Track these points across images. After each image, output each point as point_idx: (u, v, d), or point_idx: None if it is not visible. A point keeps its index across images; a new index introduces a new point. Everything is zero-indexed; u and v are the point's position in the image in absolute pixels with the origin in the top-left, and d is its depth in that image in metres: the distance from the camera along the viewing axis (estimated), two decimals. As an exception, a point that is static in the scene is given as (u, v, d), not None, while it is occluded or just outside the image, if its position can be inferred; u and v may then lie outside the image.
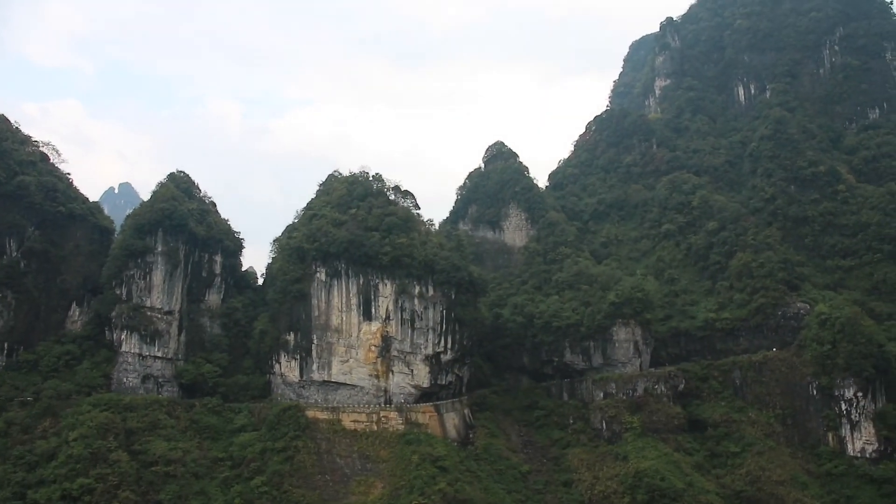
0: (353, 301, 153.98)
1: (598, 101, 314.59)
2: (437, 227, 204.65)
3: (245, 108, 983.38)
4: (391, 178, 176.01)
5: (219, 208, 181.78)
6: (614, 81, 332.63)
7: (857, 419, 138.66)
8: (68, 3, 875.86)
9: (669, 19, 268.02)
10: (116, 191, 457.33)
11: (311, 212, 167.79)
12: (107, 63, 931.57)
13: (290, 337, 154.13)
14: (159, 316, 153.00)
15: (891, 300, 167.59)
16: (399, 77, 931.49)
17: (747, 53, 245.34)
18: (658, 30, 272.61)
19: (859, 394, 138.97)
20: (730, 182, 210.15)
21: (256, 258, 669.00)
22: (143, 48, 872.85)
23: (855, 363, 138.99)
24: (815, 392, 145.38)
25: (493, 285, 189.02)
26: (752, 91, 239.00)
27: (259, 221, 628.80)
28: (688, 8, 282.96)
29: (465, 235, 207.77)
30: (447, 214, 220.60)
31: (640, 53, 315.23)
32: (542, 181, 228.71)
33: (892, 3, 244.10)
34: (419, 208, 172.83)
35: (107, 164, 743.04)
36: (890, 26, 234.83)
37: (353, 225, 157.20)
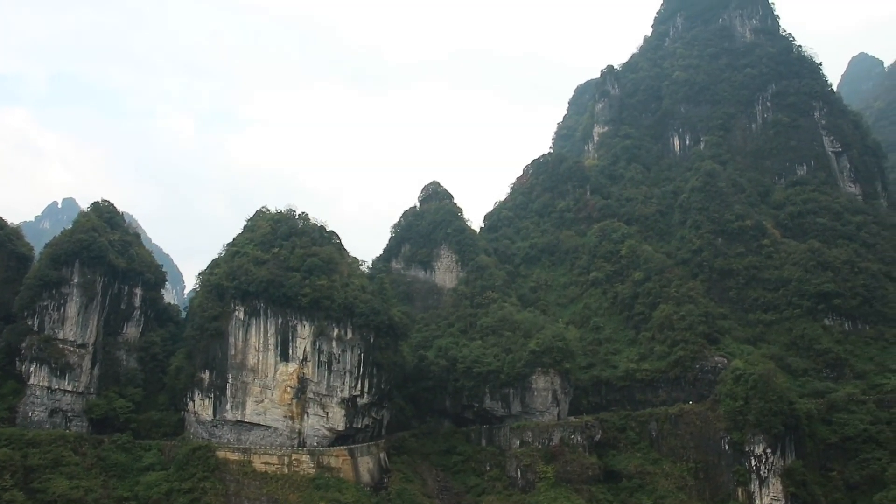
0: (271, 341, 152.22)
1: (547, 138, 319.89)
2: (369, 264, 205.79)
3: (199, 123, 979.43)
4: (317, 217, 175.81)
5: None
6: (558, 123, 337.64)
7: (766, 475, 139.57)
8: (19, 9, 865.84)
9: (610, 67, 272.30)
10: (59, 205, 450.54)
11: (234, 248, 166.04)
12: (58, 71, 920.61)
13: (206, 375, 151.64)
14: (72, 349, 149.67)
15: (807, 356, 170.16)
16: (354, 102, 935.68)
17: (684, 105, 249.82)
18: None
19: (768, 450, 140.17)
20: (660, 232, 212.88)
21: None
22: (96, 58, 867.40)
23: (765, 420, 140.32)
24: (727, 447, 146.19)
25: (421, 326, 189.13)
26: (687, 142, 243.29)
27: (209, 238, 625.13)
28: (629, 57, 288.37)
29: (398, 274, 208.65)
30: (381, 252, 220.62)
31: (585, 98, 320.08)
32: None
33: (821, 64, 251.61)
34: (343, 249, 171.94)
35: (54, 174, 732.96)
36: (819, 86, 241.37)
37: (275, 264, 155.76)
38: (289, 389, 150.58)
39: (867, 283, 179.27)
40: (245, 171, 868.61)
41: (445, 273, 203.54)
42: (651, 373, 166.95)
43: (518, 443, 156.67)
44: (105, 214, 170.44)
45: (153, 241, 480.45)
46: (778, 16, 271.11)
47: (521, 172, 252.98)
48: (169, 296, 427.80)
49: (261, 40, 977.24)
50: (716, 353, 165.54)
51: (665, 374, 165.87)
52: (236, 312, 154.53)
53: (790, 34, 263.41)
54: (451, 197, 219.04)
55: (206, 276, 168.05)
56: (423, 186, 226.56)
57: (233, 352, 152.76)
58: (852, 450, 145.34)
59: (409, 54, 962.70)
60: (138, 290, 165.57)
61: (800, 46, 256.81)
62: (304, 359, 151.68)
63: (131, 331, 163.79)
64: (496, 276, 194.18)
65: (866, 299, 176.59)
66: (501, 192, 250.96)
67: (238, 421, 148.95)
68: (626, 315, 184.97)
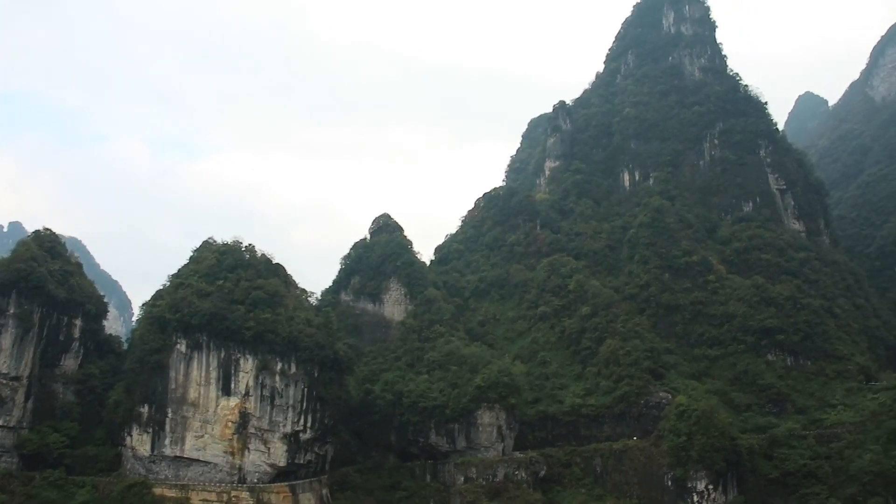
0: (213, 375, 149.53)
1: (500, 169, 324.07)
2: (318, 295, 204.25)
3: (153, 149, 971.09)
4: (269, 246, 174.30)
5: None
6: (511, 156, 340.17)
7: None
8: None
9: (562, 103, 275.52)
10: (6, 229, 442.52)
11: (178, 280, 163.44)
12: (6, 92, 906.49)
13: (145, 409, 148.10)
14: (4, 381, 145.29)
15: (750, 391, 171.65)
16: (310, 129, 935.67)
17: (634, 141, 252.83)
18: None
19: (710, 486, 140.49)
20: (608, 266, 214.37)
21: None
22: (46, 79, 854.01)
23: (707, 456, 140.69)
24: (670, 483, 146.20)
25: (369, 359, 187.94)
26: (637, 178, 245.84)
27: (162, 265, 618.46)
28: (581, 92, 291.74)
29: (346, 306, 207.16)
30: (330, 283, 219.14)
31: (538, 131, 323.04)
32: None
33: (766, 103, 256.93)
34: (290, 282, 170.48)
35: (1, 198, 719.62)
36: (764, 125, 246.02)
37: (219, 297, 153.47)
38: (230, 424, 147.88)
39: (809, 319, 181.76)
40: (200, 197, 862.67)
41: (394, 306, 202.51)
42: (596, 408, 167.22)
43: (462, 479, 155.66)
44: (46, 243, 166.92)
45: (101, 268, 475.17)
46: (726, 55, 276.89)
47: (472, 205, 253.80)
48: (116, 323, 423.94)
49: (217, 66, 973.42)
50: (660, 389, 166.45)
51: (610, 410, 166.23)
52: (178, 345, 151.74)
53: (737, 73, 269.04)
54: (400, 229, 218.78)
55: (148, 308, 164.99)
56: (373, 219, 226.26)
57: (173, 385, 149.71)
58: (793, 485, 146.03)
59: (366, 81, 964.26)
60: (78, 322, 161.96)
61: (746, 86, 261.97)
62: (247, 393, 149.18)
63: (69, 363, 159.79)
64: (444, 309, 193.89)
65: (808, 335, 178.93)
66: (453, 226, 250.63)
67: (177, 456, 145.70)
68: (574, 350, 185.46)
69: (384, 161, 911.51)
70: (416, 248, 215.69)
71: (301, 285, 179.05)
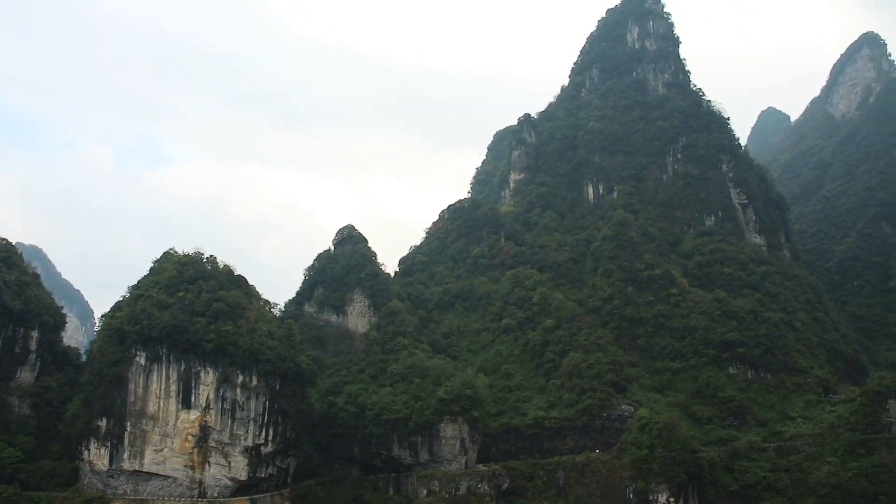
0: (173, 388, 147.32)
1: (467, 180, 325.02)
2: (282, 306, 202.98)
3: (119, 156, 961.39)
4: (235, 255, 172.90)
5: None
6: (477, 168, 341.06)
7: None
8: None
9: (527, 115, 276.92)
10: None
11: (138, 291, 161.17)
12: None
13: (103, 422, 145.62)
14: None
15: (712, 403, 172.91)
16: (278, 137, 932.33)
17: (598, 154, 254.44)
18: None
19: (671, 499, 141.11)
20: (572, 279, 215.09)
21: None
22: (7, 86, 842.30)
23: (669, 469, 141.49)
24: (631, 496, 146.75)
25: (332, 371, 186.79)
26: (601, 191, 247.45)
27: (126, 274, 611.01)
28: (546, 105, 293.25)
29: (310, 318, 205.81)
30: (294, 294, 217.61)
31: (503, 144, 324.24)
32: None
33: (729, 119, 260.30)
34: (252, 293, 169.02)
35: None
36: (727, 140, 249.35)
37: (179, 309, 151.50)
38: (190, 438, 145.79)
39: (769, 333, 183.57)
40: (166, 204, 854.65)
41: (358, 318, 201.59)
42: (559, 421, 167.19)
43: (425, 492, 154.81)
44: (2, 254, 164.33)
45: (63, 276, 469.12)
46: (689, 71, 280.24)
47: (437, 217, 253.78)
48: (78, 333, 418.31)
49: (186, 73, 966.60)
50: (623, 402, 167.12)
51: (573, 423, 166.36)
52: (137, 358, 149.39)
53: (700, 89, 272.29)
54: (364, 241, 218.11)
55: (107, 320, 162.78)
56: (338, 230, 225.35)
57: (132, 399, 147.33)
58: (753, 497, 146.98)
59: (336, 88, 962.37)
60: (34, 333, 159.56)
61: (709, 101, 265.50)
62: (207, 406, 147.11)
63: (25, 375, 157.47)
64: (408, 321, 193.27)
65: (768, 348, 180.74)
66: (417, 238, 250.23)
67: (135, 471, 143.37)
68: (537, 362, 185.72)
69: (353, 169, 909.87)
70: (382, 258, 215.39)
71: (268, 294, 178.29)
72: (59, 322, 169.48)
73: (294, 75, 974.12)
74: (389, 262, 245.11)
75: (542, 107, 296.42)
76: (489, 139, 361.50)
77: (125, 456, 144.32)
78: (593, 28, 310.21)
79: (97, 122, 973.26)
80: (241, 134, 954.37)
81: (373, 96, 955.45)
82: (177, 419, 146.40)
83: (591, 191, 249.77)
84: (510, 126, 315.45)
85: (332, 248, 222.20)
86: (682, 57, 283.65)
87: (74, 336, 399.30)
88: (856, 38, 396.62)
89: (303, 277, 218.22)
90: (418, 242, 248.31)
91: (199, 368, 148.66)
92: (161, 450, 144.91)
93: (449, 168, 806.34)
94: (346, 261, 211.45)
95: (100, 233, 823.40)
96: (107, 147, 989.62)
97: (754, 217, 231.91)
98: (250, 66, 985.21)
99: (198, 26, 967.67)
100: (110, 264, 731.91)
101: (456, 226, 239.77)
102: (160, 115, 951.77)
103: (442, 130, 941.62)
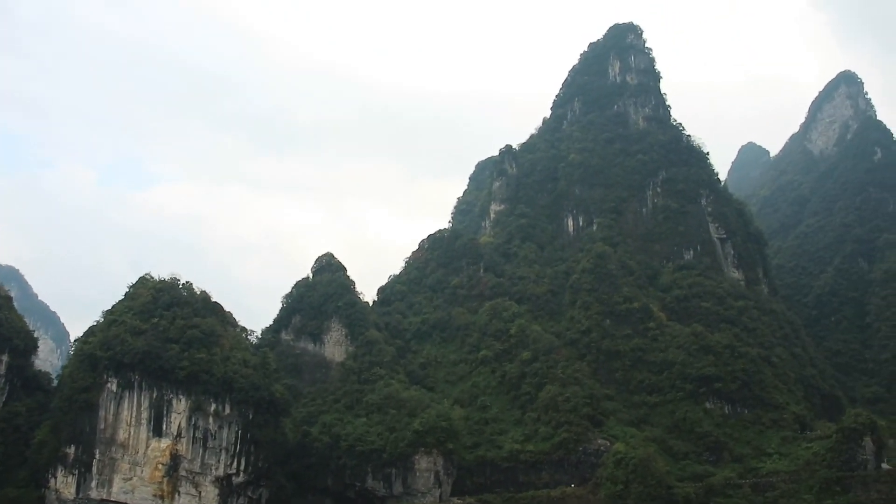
0: (144, 415, 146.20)
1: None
2: (259, 333, 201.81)
3: (101, 176, 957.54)
4: (203, 284, 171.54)
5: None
6: (458, 198, 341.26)
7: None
8: None
9: (509, 147, 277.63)
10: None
11: (112, 316, 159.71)
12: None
13: (71, 450, 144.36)
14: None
15: (688, 438, 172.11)
16: (262, 159, 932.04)
17: (578, 187, 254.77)
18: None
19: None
20: (550, 312, 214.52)
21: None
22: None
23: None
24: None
25: (307, 400, 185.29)
26: (581, 223, 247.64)
27: (105, 296, 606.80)
28: (528, 137, 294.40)
29: (287, 346, 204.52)
30: (271, 322, 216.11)
31: (485, 174, 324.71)
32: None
33: (708, 153, 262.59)
34: (228, 320, 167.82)
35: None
36: (706, 175, 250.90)
37: (153, 335, 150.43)
38: (160, 466, 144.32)
39: (746, 368, 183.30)
40: (147, 226, 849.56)
41: (335, 347, 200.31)
42: (535, 454, 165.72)
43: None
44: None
45: (40, 298, 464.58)
46: (669, 106, 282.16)
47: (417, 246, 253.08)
48: (53, 356, 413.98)
49: (170, 94, 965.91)
50: (599, 436, 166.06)
51: (549, 456, 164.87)
52: (109, 384, 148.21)
53: (680, 124, 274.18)
54: (343, 269, 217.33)
55: (79, 345, 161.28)
56: (316, 258, 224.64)
57: (102, 426, 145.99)
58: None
59: (320, 112, 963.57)
60: (4, 357, 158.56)
61: (689, 136, 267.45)
62: (179, 435, 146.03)
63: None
64: (385, 351, 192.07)
65: (745, 383, 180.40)
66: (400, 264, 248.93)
67: (103, 500, 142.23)
68: (514, 395, 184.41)
69: (337, 193, 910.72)
70: (365, 284, 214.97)
71: (249, 317, 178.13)
72: (31, 346, 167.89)
73: (280, 97, 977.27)
74: (373, 287, 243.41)
75: (527, 136, 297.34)
76: (470, 169, 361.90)
77: (93, 484, 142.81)
78: (576, 61, 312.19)
79: (81, 142, 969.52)
80: (225, 155, 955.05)
81: (358, 119, 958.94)
82: (147, 447, 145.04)
83: (570, 223, 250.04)
84: (492, 156, 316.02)
85: (311, 275, 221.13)
86: (662, 92, 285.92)
87: (49, 359, 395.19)
88: (833, 75, 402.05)
89: (280, 304, 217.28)
90: (398, 272, 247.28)
91: (171, 396, 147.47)
92: (130, 478, 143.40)
93: (433, 195, 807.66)
94: (324, 289, 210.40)
95: (80, 253, 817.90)
96: (90, 167, 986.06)
97: (733, 252, 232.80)
98: (236, 88, 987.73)
99: (185, 47, 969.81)
100: (90, 285, 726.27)
101: (435, 256, 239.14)
102: (144, 135, 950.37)
103: (425, 157, 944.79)
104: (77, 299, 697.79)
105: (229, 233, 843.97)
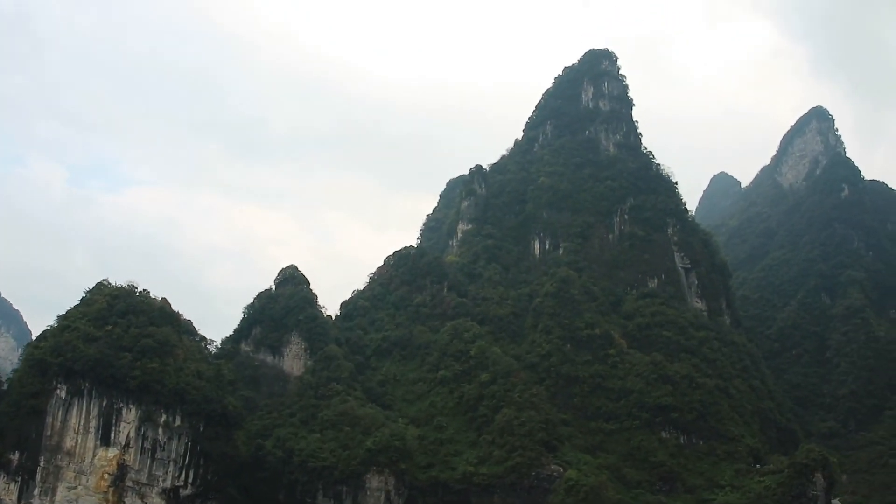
0: (92, 424, 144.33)
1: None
2: (218, 343, 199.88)
3: (73, 176, 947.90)
4: (170, 291, 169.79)
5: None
6: (427, 215, 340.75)
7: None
8: None
9: (479, 167, 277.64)
10: None
11: (65, 322, 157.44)
12: None
13: (15, 456, 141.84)
14: None
15: (642, 467, 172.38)
16: (237, 166, 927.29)
17: (546, 210, 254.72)
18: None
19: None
20: (512, 334, 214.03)
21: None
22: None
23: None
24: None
25: (263, 413, 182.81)
26: (547, 247, 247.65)
27: (71, 297, 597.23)
28: (499, 158, 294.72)
29: (246, 357, 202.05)
30: (231, 332, 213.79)
31: (455, 192, 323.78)
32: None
33: (677, 183, 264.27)
34: (184, 330, 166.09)
35: None
36: (673, 204, 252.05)
37: (106, 343, 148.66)
38: (106, 476, 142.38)
39: (703, 399, 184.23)
40: (118, 228, 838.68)
41: (294, 360, 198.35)
42: (488, 477, 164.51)
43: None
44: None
45: (3, 295, 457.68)
46: (640, 134, 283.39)
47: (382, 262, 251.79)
48: (13, 354, 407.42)
49: (148, 96, 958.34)
50: (553, 461, 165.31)
51: (502, 480, 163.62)
52: (58, 391, 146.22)
53: (650, 152, 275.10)
54: (306, 283, 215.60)
55: (30, 350, 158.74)
56: (280, 269, 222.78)
57: (49, 433, 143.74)
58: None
59: (296, 120, 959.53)
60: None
61: (658, 164, 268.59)
62: (127, 444, 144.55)
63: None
64: (343, 367, 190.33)
65: (702, 414, 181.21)
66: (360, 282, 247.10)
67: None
68: (470, 416, 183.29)
69: (309, 203, 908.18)
70: (333, 296, 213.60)
71: (216, 325, 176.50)
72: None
73: (259, 104, 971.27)
74: (341, 300, 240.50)
75: (499, 156, 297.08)
76: (441, 186, 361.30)
77: (35, 492, 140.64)
78: (549, 85, 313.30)
79: (52, 140, 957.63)
80: (200, 160, 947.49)
81: (335, 131, 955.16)
82: (94, 456, 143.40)
83: (537, 246, 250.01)
84: (463, 174, 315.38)
85: (273, 287, 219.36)
86: (634, 119, 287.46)
87: (10, 357, 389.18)
88: (805, 111, 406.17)
89: (242, 315, 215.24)
90: (361, 287, 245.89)
91: (121, 405, 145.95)
92: (75, 487, 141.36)
93: (406, 209, 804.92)
94: (285, 301, 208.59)
95: (46, 253, 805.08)
96: (61, 166, 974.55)
97: (697, 282, 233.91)
98: (216, 92, 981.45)
99: (166, 51, 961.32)
100: (56, 285, 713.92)
101: (400, 272, 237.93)
102: (120, 136, 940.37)
103: (402, 171, 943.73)
104: (40, 299, 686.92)
105: (201, 238, 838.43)
